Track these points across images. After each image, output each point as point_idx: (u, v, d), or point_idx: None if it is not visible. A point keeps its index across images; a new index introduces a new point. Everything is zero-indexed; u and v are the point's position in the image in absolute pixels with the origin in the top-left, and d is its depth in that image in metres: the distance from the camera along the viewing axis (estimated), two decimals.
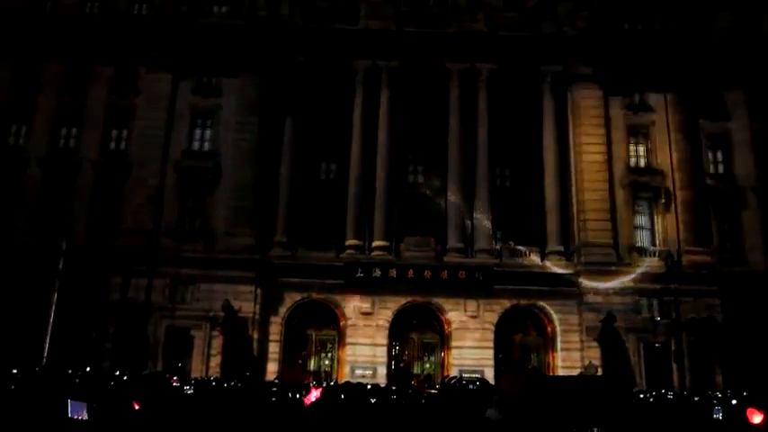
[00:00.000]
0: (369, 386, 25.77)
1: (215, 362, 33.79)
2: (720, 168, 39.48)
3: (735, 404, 12.98)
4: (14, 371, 20.94)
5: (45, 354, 29.00)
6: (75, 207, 37.09)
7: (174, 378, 25.51)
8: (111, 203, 37.58)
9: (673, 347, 34.10)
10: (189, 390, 16.02)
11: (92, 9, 40.93)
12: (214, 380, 26.47)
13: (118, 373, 23.30)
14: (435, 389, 30.10)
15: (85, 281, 33.55)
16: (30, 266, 33.34)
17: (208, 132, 39.11)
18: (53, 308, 29.77)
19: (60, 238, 31.57)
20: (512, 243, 37.51)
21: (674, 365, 33.86)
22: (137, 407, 11.30)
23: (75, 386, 13.94)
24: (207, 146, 38.93)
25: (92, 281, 33.96)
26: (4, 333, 31.99)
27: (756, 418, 12.33)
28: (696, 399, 19.63)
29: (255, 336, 35.08)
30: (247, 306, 35.00)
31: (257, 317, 35.27)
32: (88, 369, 24.63)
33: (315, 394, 22.03)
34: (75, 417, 6.85)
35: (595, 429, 8.77)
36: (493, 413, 3.90)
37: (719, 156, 39.67)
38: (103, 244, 35.18)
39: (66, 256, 30.84)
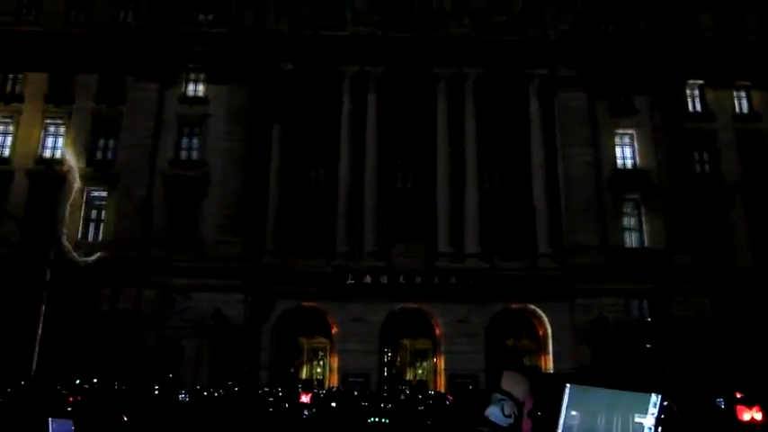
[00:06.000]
0: (356, 392, 25.73)
1: (206, 371, 33.51)
2: (707, 168, 39.80)
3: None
4: None
5: (34, 365, 28.63)
6: (62, 217, 36.73)
7: (156, 387, 25.27)
8: (99, 213, 37.45)
9: (664, 347, 34.23)
10: (185, 397, 15.94)
11: (76, 18, 40.63)
12: (206, 389, 26.26)
13: (108, 384, 23.06)
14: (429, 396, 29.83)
15: (75, 292, 33.21)
16: (17, 278, 32.99)
17: (195, 141, 38.95)
18: (41, 319, 29.41)
19: (48, 249, 31.22)
20: (502, 247, 37.60)
21: (667, 365, 33.98)
22: (125, 419, 11.22)
23: (60, 401, 13.75)
24: (195, 155, 38.75)
25: (81, 292, 33.61)
26: None
27: (746, 416, 12.74)
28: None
29: (246, 344, 34.83)
30: (238, 315, 34.78)
31: (248, 325, 35.04)
32: (78, 381, 24.34)
33: (305, 399, 21.99)
34: None
35: None
36: (494, 412, 3.81)
37: (705, 156, 40.00)
38: (92, 254, 34.83)
39: (53, 267, 30.49)
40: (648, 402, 3.31)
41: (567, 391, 3.54)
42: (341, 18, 40.12)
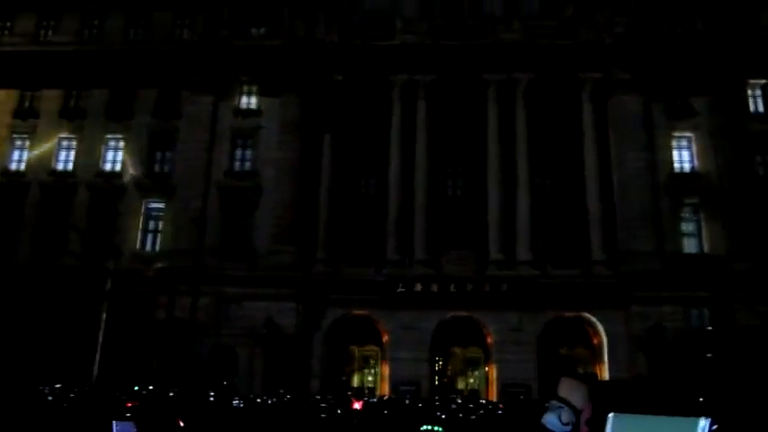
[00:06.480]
0: (407, 401, 25.65)
1: (259, 379, 33.95)
2: None
3: None
4: (58, 385, 21.40)
5: (95, 372, 29.53)
6: (122, 228, 37.96)
7: (212, 394, 25.76)
8: (157, 224, 38.59)
9: (725, 357, 32.98)
10: (240, 404, 16.24)
11: (135, 35, 42.03)
12: (259, 397, 26.61)
13: (164, 390, 23.59)
14: (481, 405, 29.53)
15: (132, 301, 34.19)
16: (79, 288, 34.16)
17: (249, 152, 39.67)
18: (102, 327, 30.34)
19: (107, 259, 32.24)
20: (554, 254, 36.97)
21: (728, 375, 32.73)
22: (181, 424, 11.49)
23: (121, 406, 14.18)
24: (248, 165, 39.47)
25: (138, 300, 34.61)
26: (57, 352, 32.86)
27: None
28: None
29: (298, 353, 35.16)
30: (289, 323, 35.19)
31: (300, 334, 35.38)
32: (135, 388, 24.98)
33: (357, 406, 22.13)
34: None
35: None
36: (551, 420, 3.74)
37: None
38: (149, 264, 35.86)
39: (113, 277, 31.44)
40: (697, 427, 3.18)
41: (609, 420, 3.42)
42: (390, 27, 40.27)
